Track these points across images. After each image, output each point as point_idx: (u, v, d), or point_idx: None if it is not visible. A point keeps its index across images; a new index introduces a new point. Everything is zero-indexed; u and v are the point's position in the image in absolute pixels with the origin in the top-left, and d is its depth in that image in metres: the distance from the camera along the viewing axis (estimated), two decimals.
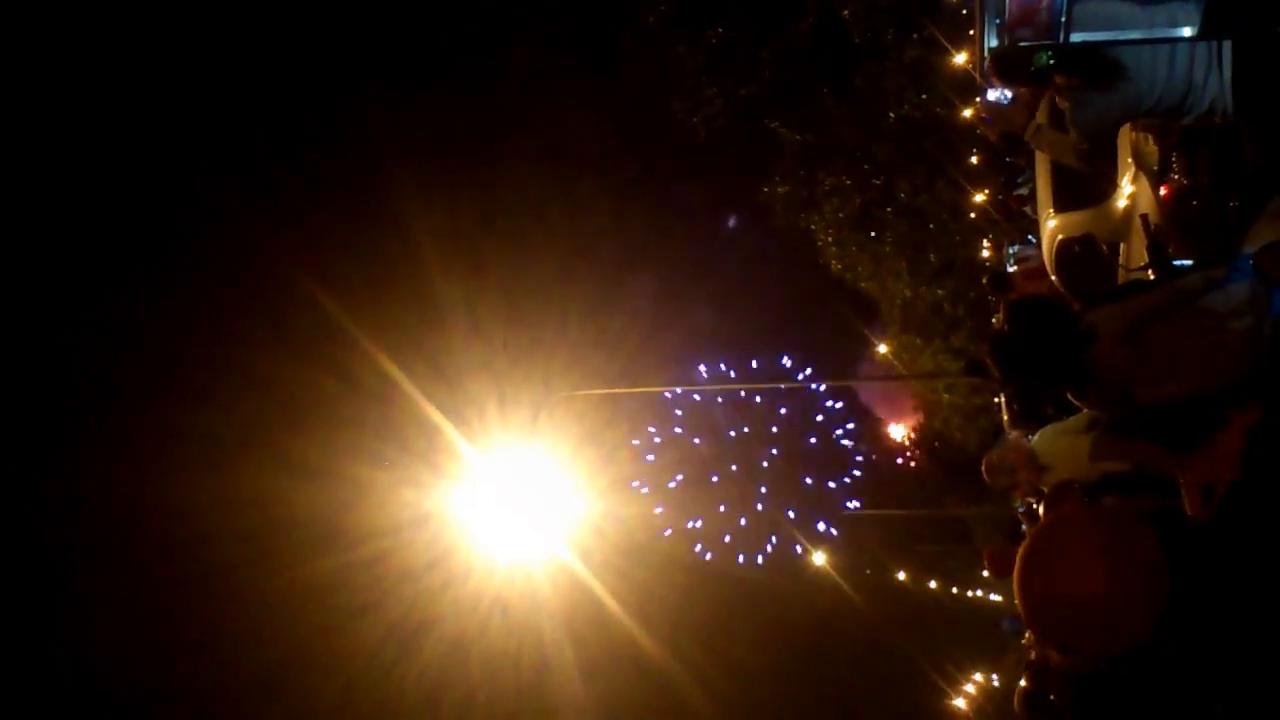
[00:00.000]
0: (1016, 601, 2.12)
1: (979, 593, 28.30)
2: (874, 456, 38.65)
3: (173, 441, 28.76)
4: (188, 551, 28.76)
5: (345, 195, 31.96)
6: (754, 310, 40.09)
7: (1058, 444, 4.66)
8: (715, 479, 40.64)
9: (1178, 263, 4.55)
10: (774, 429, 42.18)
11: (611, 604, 33.79)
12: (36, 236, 27.55)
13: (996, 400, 15.88)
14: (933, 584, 31.00)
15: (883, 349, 24.98)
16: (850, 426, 41.39)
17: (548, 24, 26.74)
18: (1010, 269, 11.33)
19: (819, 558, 26.48)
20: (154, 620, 29.23)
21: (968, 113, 15.94)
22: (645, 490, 38.68)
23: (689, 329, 38.67)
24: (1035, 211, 8.70)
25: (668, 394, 41.89)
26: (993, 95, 8.90)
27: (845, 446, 41.65)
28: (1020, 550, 2.09)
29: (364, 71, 29.84)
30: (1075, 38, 2.98)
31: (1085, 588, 1.93)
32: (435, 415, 30.10)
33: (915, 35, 17.98)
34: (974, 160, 17.07)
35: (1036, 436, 4.95)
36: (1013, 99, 7.44)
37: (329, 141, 30.71)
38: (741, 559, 40.04)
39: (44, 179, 27.16)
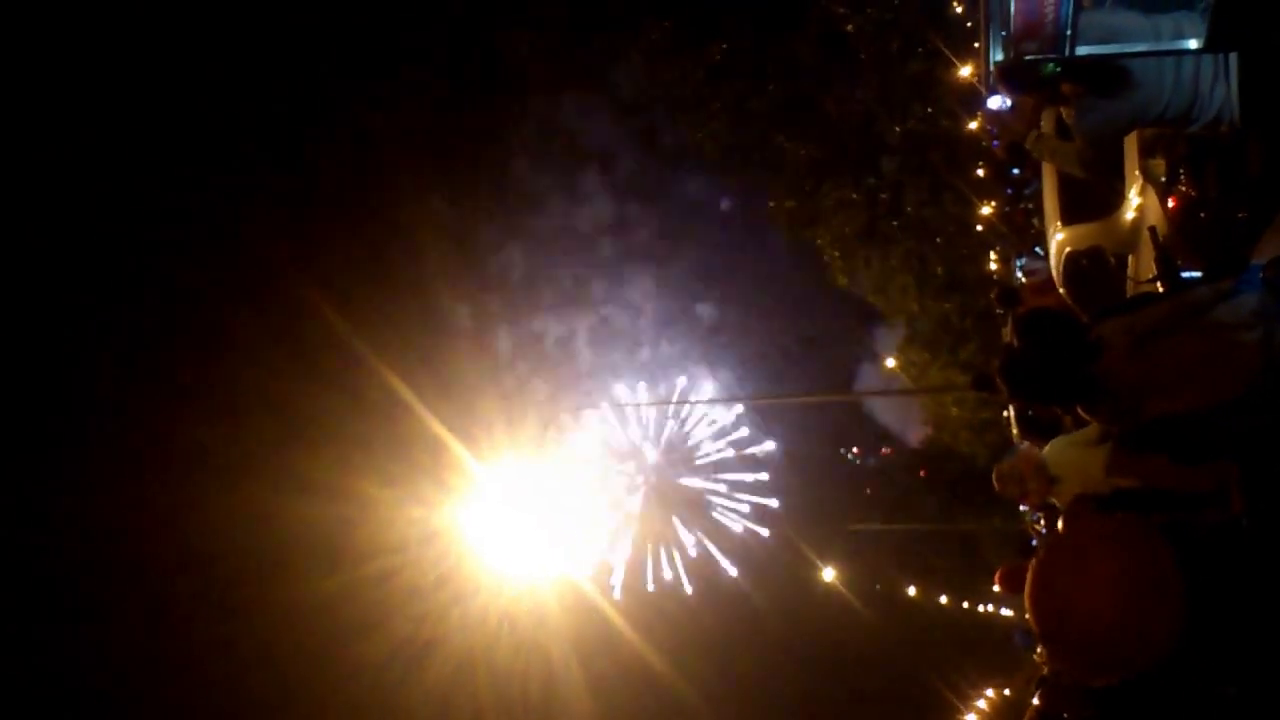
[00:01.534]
0: (1029, 621, 2.06)
1: (989, 607, 28.12)
2: (883, 471, 38.46)
3: (182, 459, 28.84)
4: (196, 568, 28.81)
5: (353, 213, 32.13)
6: (761, 325, 40.06)
7: (1069, 455, 4.62)
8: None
9: (1186, 274, 4.53)
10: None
11: (619, 621, 33.68)
12: (48, 254, 27.74)
13: (1005, 414, 15.80)
14: (943, 599, 30.79)
15: (891, 363, 24.92)
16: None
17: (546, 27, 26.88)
18: (1018, 282, 11.32)
19: (828, 573, 26.25)
20: (162, 637, 29.25)
21: (973, 125, 15.97)
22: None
23: (694, 340, 38.69)
24: (1043, 224, 8.70)
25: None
26: (993, 103, 8.97)
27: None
28: (1032, 571, 2.02)
29: (370, 81, 30.03)
30: (1080, 50, 2.96)
31: (1102, 616, 1.87)
32: (443, 432, 30.13)
33: (920, 48, 18.04)
34: (980, 173, 17.09)
35: (1048, 447, 4.92)
36: (1013, 106, 7.47)
37: (337, 156, 30.91)
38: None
39: (54, 195, 27.37)
